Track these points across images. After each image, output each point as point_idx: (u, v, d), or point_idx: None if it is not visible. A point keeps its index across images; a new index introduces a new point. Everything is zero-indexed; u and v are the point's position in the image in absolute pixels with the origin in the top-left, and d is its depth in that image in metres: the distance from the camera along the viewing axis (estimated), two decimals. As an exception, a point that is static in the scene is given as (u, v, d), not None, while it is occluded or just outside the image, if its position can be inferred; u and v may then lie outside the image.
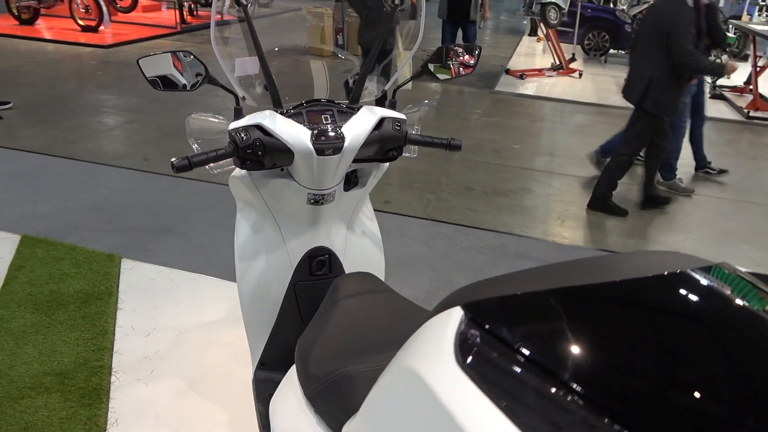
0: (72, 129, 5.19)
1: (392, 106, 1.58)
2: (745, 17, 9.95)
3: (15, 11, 9.73)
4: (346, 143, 1.43)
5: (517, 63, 9.44)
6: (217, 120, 1.49)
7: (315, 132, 1.42)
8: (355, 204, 1.71)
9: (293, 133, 1.41)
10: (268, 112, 1.45)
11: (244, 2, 1.29)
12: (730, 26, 10.59)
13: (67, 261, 2.93)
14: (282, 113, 1.46)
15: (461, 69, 1.61)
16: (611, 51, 10.47)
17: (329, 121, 1.48)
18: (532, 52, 10.84)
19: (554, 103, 7.38)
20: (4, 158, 4.33)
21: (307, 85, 1.58)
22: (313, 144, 1.41)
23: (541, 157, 5.32)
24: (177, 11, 10.61)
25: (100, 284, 2.77)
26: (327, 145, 1.42)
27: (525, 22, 13.51)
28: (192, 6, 11.44)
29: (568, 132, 6.23)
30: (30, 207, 3.55)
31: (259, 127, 1.41)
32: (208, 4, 11.74)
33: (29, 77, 6.85)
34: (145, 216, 3.51)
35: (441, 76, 1.60)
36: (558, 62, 8.81)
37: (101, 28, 9.66)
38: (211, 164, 1.41)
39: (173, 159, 1.34)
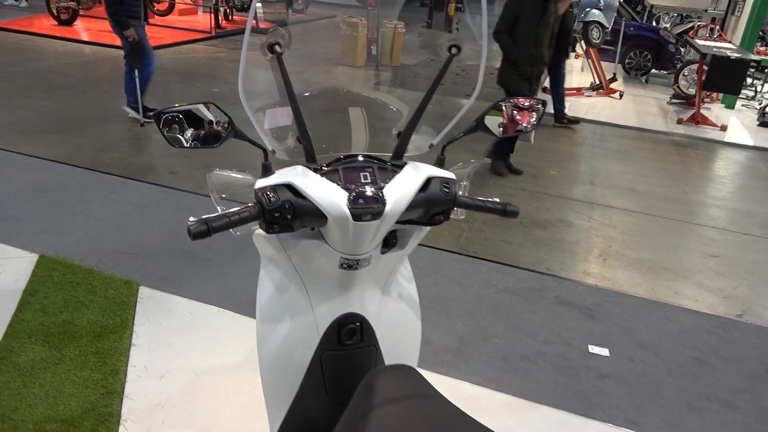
0: (100, 137, 5.11)
1: (440, 163, 1.39)
2: None
3: (54, 11, 9.81)
4: (387, 208, 1.25)
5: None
6: (242, 176, 1.32)
7: (352, 195, 1.24)
8: (393, 267, 1.53)
9: (328, 195, 1.23)
10: (300, 168, 1.27)
11: (279, 50, 1.11)
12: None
13: (83, 287, 2.80)
14: (316, 170, 1.28)
15: (520, 125, 1.41)
16: (653, 71, 10.13)
17: (369, 181, 1.29)
18: (570, 70, 10.53)
19: (594, 126, 7.10)
20: (28, 168, 4.26)
21: (345, 137, 1.40)
22: (350, 208, 1.23)
23: (580, 185, 5.07)
24: (212, 15, 10.60)
25: (116, 315, 2.63)
26: (365, 210, 1.23)
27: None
28: (227, 11, 11.43)
29: (609, 157, 5.96)
30: (50, 223, 3.44)
31: (289, 187, 1.24)
32: (244, 9, 11.72)
33: (63, 79, 6.84)
34: (167, 238, 3.38)
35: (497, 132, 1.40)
36: (598, 82, 8.52)
37: (137, 31, 9.68)
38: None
39: (190, 221, 1.17)
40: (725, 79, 6.73)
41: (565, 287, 3.28)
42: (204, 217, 1.27)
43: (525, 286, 3.22)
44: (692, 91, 8.27)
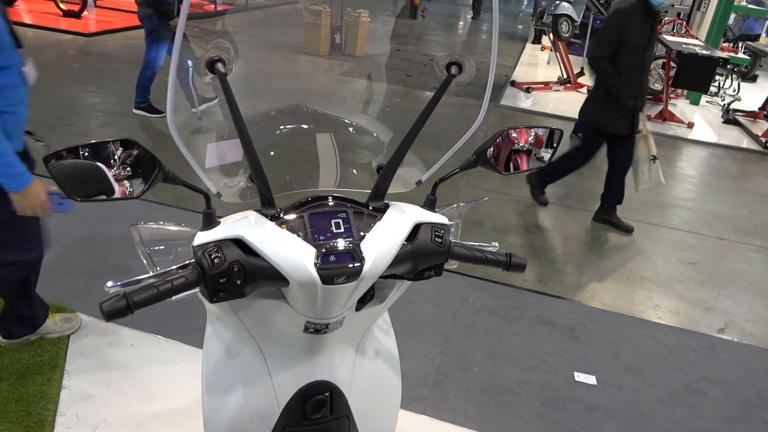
0: (40, 133, 4.65)
1: (431, 205, 1.13)
2: (763, 39, 9.61)
3: (-9, -9, 9.09)
4: (366, 267, 0.99)
5: (520, 73, 9.01)
6: (177, 228, 1.03)
7: (322, 251, 0.97)
8: (369, 323, 1.27)
9: (289, 252, 0.96)
10: (252, 216, 1.00)
11: (222, 70, 0.82)
12: (740, 46, 10.25)
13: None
14: (273, 218, 1.01)
15: (532, 158, 1.16)
16: (619, 65, 10.08)
17: (342, 230, 1.02)
18: (536, 62, 10.41)
19: (564, 122, 6.96)
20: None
21: (311, 171, 1.12)
22: (319, 269, 0.96)
23: (552, 186, 4.89)
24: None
25: (44, 351, 2.28)
26: (338, 271, 0.97)
27: (523, 28, 13.08)
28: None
29: (581, 157, 5.82)
30: None
31: (238, 242, 0.96)
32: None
33: (-2, 68, 6.29)
34: (109, 253, 3.02)
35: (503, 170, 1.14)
36: (566, 76, 8.39)
37: (84, 13, 9.08)
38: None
39: (108, 287, 0.89)
40: (694, 76, 6.65)
41: (546, 304, 3.08)
42: (125, 285, 0.98)
43: (503, 304, 3.00)
44: (658, 86, 8.23)
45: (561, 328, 2.87)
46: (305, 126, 1.18)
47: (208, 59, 0.82)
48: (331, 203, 1.05)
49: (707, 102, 8.82)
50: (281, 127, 1.15)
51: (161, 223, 1.03)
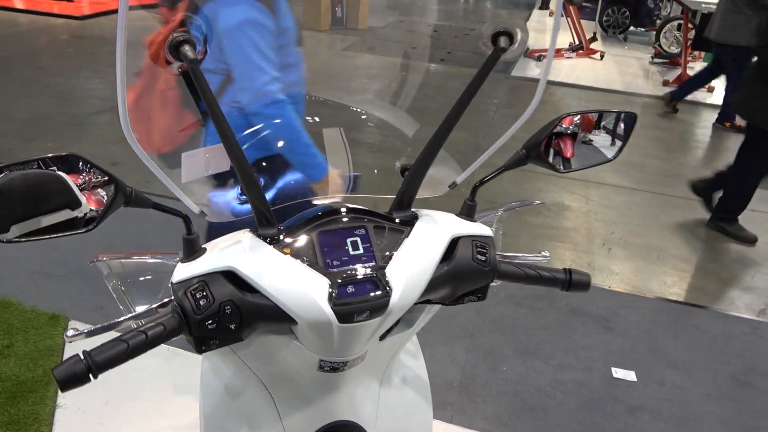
0: (32, 122, 4.45)
1: (469, 213, 0.92)
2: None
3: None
4: (393, 298, 0.78)
5: (528, 41, 8.66)
6: (152, 260, 0.83)
7: (337, 282, 0.76)
8: (395, 351, 1.07)
9: (296, 286, 0.76)
10: (247, 239, 0.79)
11: (190, 55, 0.60)
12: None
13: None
14: (273, 239, 0.79)
15: (598, 150, 0.93)
16: (631, 28, 9.69)
17: (360, 251, 0.81)
18: (544, 28, 10.04)
19: (577, 91, 6.66)
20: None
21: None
22: (335, 306, 0.75)
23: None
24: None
25: (37, 365, 2.11)
26: (359, 306, 0.76)
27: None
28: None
29: (598, 128, 5.54)
30: None
31: (230, 275, 0.75)
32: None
33: (-12, 56, 6.05)
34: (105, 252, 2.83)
35: (562, 167, 0.92)
36: (578, 42, 8.04)
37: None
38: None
39: (59, 365, 0.68)
40: (715, 37, 6.30)
41: (577, 293, 2.86)
42: (90, 333, 0.78)
43: (529, 293, 2.79)
44: (674, 49, 7.87)
45: (593, 318, 2.66)
46: (309, 120, 0.96)
47: (173, 41, 0.60)
48: (345, 217, 0.83)
49: (726, 64, 8.45)
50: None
51: (125, 254, 0.82)
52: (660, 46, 8.09)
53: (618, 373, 2.31)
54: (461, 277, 0.85)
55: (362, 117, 0.97)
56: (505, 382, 2.23)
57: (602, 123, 0.95)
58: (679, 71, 7.14)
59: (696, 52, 8.35)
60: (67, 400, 1.99)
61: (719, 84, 7.25)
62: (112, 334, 0.77)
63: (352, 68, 6.77)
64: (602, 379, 2.29)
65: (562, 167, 0.90)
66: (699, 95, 6.73)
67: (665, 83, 7.01)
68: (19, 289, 2.51)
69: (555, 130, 0.89)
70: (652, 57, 8.18)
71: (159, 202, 0.72)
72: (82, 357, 0.69)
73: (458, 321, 2.55)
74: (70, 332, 0.79)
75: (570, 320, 2.63)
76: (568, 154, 0.92)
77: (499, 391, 2.18)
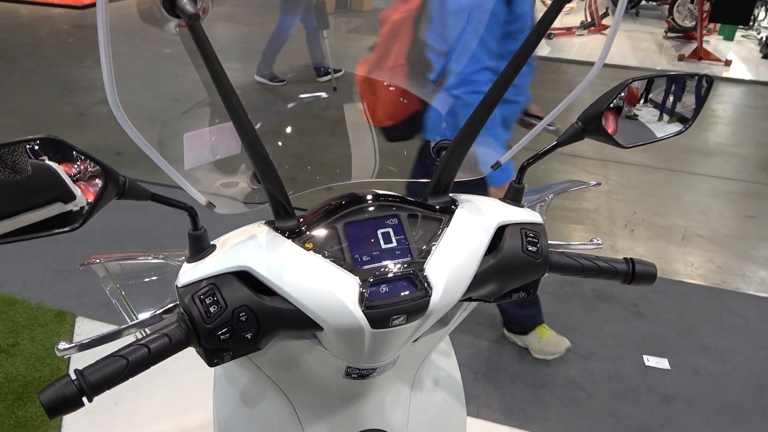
0: (35, 115, 4.36)
1: (516, 196, 0.80)
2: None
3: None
4: (434, 298, 0.67)
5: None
6: (155, 259, 0.73)
7: (369, 280, 0.65)
8: (427, 352, 0.97)
9: (322, 287, 0.65)
10: (263, 233, 0.68)
11: (190, 10, 0.49)
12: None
13: (1, 325, 2.18)
14: (293, 233, 0.69)
15: (660, 126, 0.82)
16: (642, 2, 9.44)
17: (394, 244, 0.70)
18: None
19: (590, 68, 6.47)
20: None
21: (338, 160, 0.78)
22: (367, 309, 0.64)
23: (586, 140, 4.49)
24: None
25: (44, 364, 2.03)
26: (394, 309, 0.66)
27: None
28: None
29: (614, 105, 5.39)
30: None
31: (244, 275, 0.65)
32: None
33: (-11, 47, 5.95)
34: (112, 245, 2.74)
35: (626, 141, 0.80)
36: (590, 19, 7.83)
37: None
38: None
39: (45, 389, 0.58)
40: (733, 8, 6.11)
41: (599, 275, 2.75)
42: (83, 346, 0.69)
43: (553, 279, 2.67)
44: (688, 23, 7.65)
45: (621, 303, 2.54)
46: (325, 95, 0.84)
47: None
48: (373, 204, 0.72)
49: (742, 37, 8.22)
50: (295, 99, 0.81)
51: (130, 256, 0.72)
52: (673, 19, 7.86)
53: (650, 361, 2.20)
54: (510, 270, 0.74)
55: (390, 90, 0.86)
56: (532, 373, 2.13)
57: (672, 89, 0.83)
58: (694, 45, 6.93)
59: (711, 25, 8.12)
60: (76, 401, 1.91)
61: (735, 56, 7.05)
62: (111, 346, 0.67)
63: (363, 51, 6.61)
64: (634, 367, 2.19)
65: (625, 142, 0.79)
66: (716, 69, 6.54)
67: (680, 58, 6.82)
68: (24, 287, 2.43)
69: (615, 100, 0.77)
70: (665, 31, 7.96)
71: (159, 193, 0.62)
72: (73, 377, 0.59)
73: (479, 308, 2.44)
74: (61, 345, 0.69)
75: (597, 306, 2.52)
76: (632, 127, 0.80)
77: (525, 383, 2.08)
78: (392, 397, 0.93)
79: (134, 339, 0.67)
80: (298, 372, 0.84)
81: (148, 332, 0.66)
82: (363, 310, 0.64)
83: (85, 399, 0.59)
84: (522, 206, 0.79)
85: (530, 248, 0.75)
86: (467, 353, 2.19)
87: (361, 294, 0.64)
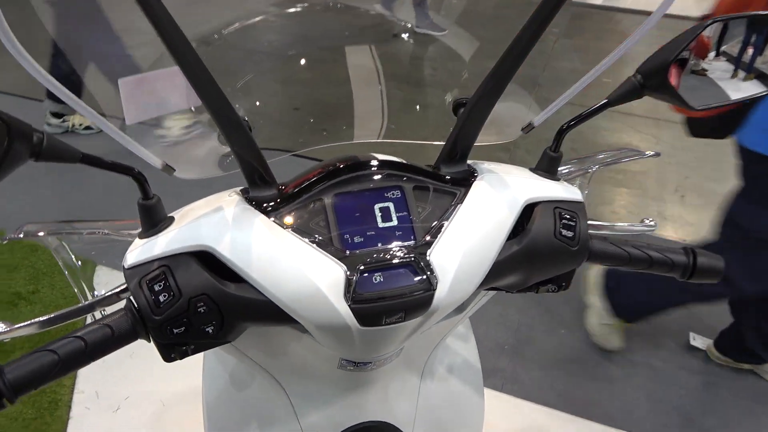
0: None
1: (550, 167, 0.65)
2: None
3: None
4: (440, 293, 0.54)
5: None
6: (100, 233, 0.62)
7: (359, 268, 0.53)
8: (439, 340, 0.85)
9: (298, 277, 0.52)
10: (231, 203, 0.56)
11: None
12: None
13: (23, 272, 2.17)
14: (271, 205, 0.56)
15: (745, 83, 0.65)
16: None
17: (394, 223, 0.57)
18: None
19: (646, 18, 6.03)
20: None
21: (336, 116, 0.65)
22: (353, 304, 0.52)
23: (640, 101, 4.17)
24: None
25: (62, 314, 2.01)
26: (389, 305, 0.53)
27: None
28: None
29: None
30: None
31: (203, 257, 0.52)
32: None
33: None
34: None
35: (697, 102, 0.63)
36: (651, -37, 7.25)
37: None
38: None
39: None
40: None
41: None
42: (12, 328, 0.59)
43: (593, 246, 2.51)
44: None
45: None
46: (321, 37, 0.69)
47: None
48: (372, 172, 0.59)
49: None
50: (284, 37, 0.67)
51: (76, 224, 0.61)
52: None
53: (696, 340, 2.04)
54: (538, 259, 0.60)
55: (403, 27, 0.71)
56: (563, 347, 2.00)
57: (753, 37, 0.66)
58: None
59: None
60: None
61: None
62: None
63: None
64: (677, 346, 2.03)
65: (695, 103, 0.62)
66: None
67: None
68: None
69: (685, 48, 0.60)
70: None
71: (91, 154, 0.49)
72: None
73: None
74: (-1, 327, 0.60)
75: (639, 278, 2.34)
76: (701, 84, 0.64)
77: (556, 357, 1.95)
78: (398, 386, 0.82)
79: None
80: (286, 359, 0.73)
81: (97, 320, 0.56)
82: (349, 305, 0.52)
83: (5, 401, 0.49)
84: (557, 179, 0.65)
85: (565, 232, 0.60)
86: (494, 322, 2.07)
87: (348, 284, 0.52)
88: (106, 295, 0.60)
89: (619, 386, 1.87)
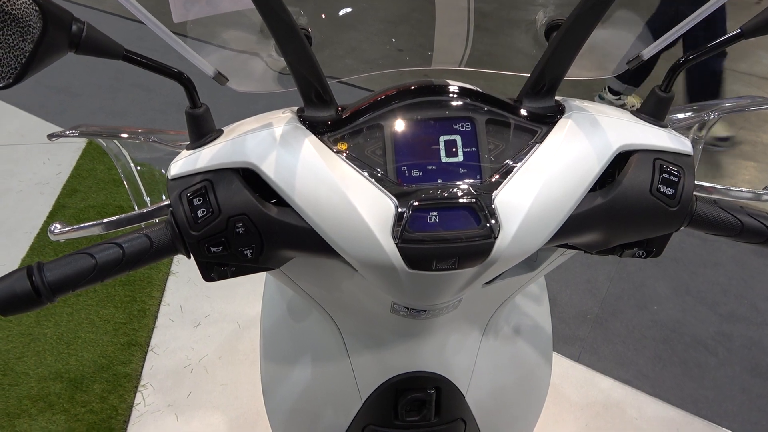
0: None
1: (656, 111, 0.55)
2: None
3: None
4: (500, 244, 0.47)
5: None
6: (151, 140, 0.60)
7: (412, 204, 0.47)
8: (505, 298, 0.78)
9: (343, 204, 0.47)
10: (283, 121, 0.52)
11: None
12: None
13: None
14: (327, 126, 0.51)
15: None
16: None
17: (460, 158, 0.50)
18: None
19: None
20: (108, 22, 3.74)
21: (414, 39, 0.58)
22: (401, 244, 0.46)
23: (749, 55, 3.66)
24: None
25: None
26: (441, 249, 0.47)
27: None
28: None
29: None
30: (108, 99, 2.94)
31: (248, 175, 0.49)
32: None
33: None
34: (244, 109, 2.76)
35: None
36: None
37: None
38: None
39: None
40: None
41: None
42: (73, 229, 0.59)
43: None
44: None
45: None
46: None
47: None
48: (444, 99, 0.52)
49: None
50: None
51: (126, 130, 0.60)
52: None
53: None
54: (626, 217, 0.52)
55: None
56: (653, 325, 1.85)
57: None
58: None
59: None
60: (181, 269, 1.99)
61: None
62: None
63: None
64: (786, 341, 1.82)
65: None
66: None
67: None
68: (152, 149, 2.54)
69: None
70: None
71: (136, 51, 0.47)
72: (28, 273, 0.49)
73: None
74: (55, 227, 0.60)
75: (752, 261, 2.11)
76: None
77: (643, 335, 1.82)
78: (456, 340, 0.78)
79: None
80: (339, 295, 0.70)
81: (144, 227, 0.55)
82: (397, 243, 0.47)
83: (44, 299, 0.49)
84: (664, 126, 0.55)
85: (664, 189, 0.51)
86: (579, 289, 1.95)
87: (398, 221, 0.47)
88: (159, 206, 0.59)
89: (711, 375, 1.71)
